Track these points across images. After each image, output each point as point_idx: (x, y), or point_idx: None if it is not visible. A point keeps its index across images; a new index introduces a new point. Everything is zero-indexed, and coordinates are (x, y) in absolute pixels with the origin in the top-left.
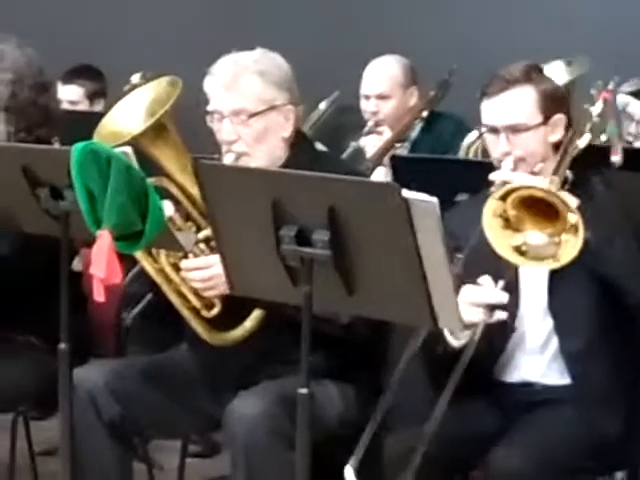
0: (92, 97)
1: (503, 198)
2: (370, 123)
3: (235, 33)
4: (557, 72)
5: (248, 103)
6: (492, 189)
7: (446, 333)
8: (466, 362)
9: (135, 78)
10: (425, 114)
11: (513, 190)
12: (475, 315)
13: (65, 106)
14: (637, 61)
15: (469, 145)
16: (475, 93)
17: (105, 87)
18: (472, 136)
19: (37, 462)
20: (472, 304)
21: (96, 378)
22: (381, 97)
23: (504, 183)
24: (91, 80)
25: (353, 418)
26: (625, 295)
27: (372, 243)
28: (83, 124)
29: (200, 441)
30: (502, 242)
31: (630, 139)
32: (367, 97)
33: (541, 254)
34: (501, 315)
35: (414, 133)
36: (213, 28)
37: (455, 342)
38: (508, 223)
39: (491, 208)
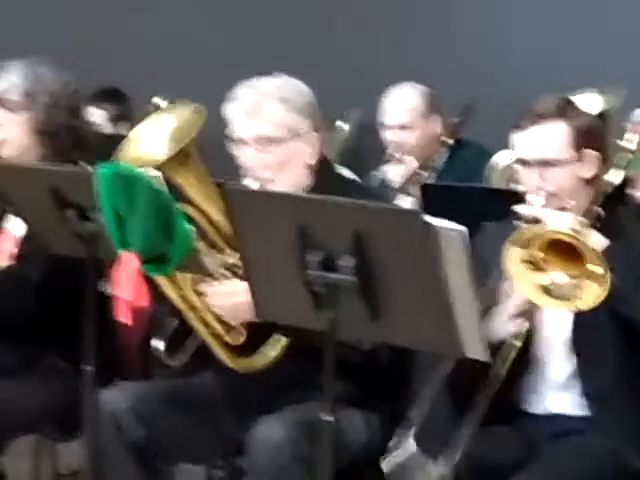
0: (116, 120)
1: (525, 244)
2: (395, 154)
3: (255, 54)
4: (590, 102)
5: (270, 130)
6: (522, 225)
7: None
8: (494, 389)
9: (159, 101)
10: (450, 142)
11: (536, 235)
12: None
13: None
14: None
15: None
16: (495, 120)
17: (129, 110)
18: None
19: None
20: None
21: (121, 401)
22: (403, 127)
23: (533, 219)
24: (115, 103)
25: (377, 446)
26: None
27: (398, 270)
28: (112, 147)
29: (224, 466)
30: (527, 283)
31: None
32: (389, 127)
33: (566, 295)
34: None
35: (439, 162)
36: (235, 49)
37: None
38: (533, 265)
39: (513, 255)
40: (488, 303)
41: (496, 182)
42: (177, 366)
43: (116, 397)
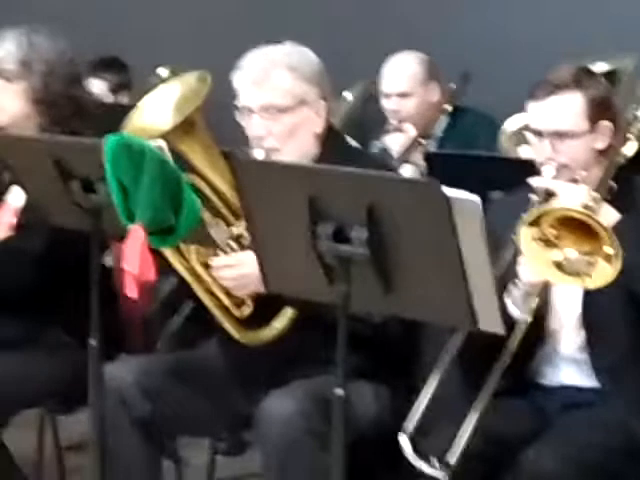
0: (116, 90)
1: (536, 222)
2: (393, 122)
3: (261, 24)
4: (600, 69)
5: (278, 98)
6: (533, 197)
7: (508, 304)
8: (505, 363)
9: (163, 71)
10: (449, 109)
11: (547, 212)
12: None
13: None
14: None
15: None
16: (496, 86)
17: (129, 79)
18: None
19: (64, 457)
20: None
21: (126, 375)
22: (402, 95)
23: (546, 191)
24: (114, 73)
25: (387, 419)
26: None
27: (412, 242)
28: (112, 117)
29: (228, 439)
30: (540, 259)
31: None
32: (388, 95)
33: (577, 270)
34: None
35: (439, 130)
36: (237, 20)
37: (517, 313)
38: (547, 242)
39: (527, 233)
40: (502, 276)
41: (505, 149)
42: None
43: (121, 371)
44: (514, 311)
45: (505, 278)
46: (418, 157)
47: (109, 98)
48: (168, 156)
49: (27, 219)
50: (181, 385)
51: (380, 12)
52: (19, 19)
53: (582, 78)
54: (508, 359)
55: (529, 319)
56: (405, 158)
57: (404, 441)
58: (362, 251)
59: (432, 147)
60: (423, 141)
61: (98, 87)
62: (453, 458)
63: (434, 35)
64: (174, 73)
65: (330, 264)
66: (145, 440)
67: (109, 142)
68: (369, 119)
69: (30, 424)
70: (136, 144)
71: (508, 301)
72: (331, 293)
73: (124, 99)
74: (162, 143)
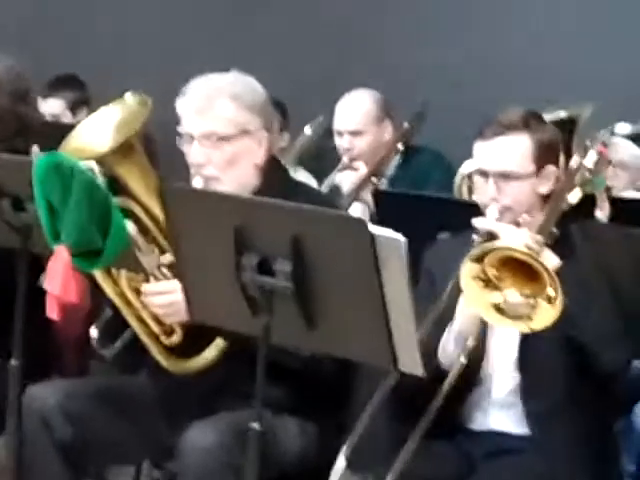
0: (74, 107)
1: (480, 259)
2: (345, 159)
3: (225, 51)
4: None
5: (219, 126)
6: (475, 237)
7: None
8: (437, 405)
9: (128, 97)
10: (401, 148)
11: (491, 250)
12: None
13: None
14: None
15: (462, 179)
16: (450, 126)
17: (87, 95)
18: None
19: None
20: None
21: (49, 397)
22: (354, 133)
23: (488, 233)
24: (71, 90)
25: (313, 456)
26: (595, 362)
27: (335, 277)
28: (60, 136)
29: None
30: (480, 300)
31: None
32: (340, 133)
33: (517, 313)
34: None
35: (391, 169)
36: (199, 43)
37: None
38: (487, 283)
39: (468, 271)
40: (440, 317)
41: (460, 192)
42: (109, 357)
43: (43, 393)
44: (449, 347)
45: (444, 316)
46: (369, 196)
47: (67, 116)
48: (99, 178)
49: None
50: (106, 410)
51: (343, 45)
52: None
53: (531, 121)
54: (442, 401)
55: (463, 360)
56: (355, 196)
57: (340, 462)
58: (285, 284)
59: (384, 186)
60: (375, 179)
61: (55, 106)
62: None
63: (393, 70)
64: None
65: (253, 296)
66: (66, 464)
67: (39, 161)
68: (327, 154)
69: None
70: (66, 164)
71: (450, 337)
72: (254, 325)
73: (82, 116)
74: (93, 164)
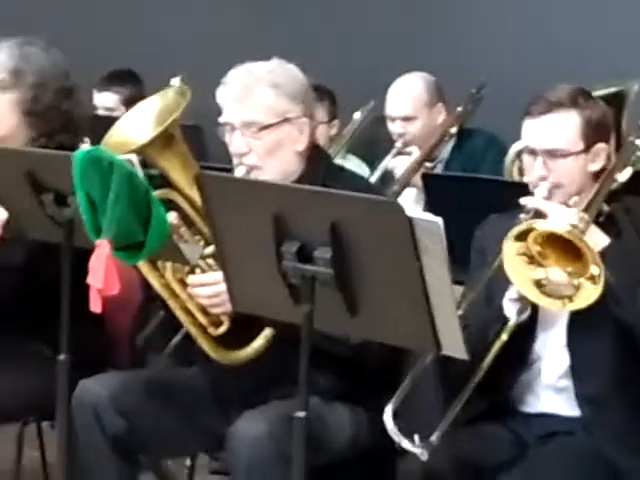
0: (128, 103)
1: (523, 237)
2: (398, 144)
3: (271, 39)
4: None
5: (259, 115)
6: (522, 215)
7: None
8: (476, 381)
9: (175, 82)
10: (454, 131)
11: (532, 229)
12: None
13: (101, 113)
14: None
15: (512, 160)
16: (507, 107)
17: (142, 92)
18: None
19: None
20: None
21: (101, 391)
22: (406, 119)
23: (536, 211)
24: (127, 86)
25: (365, 441)
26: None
27: (375, 262)
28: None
29: (216, 458)
30: (523, 277)
31: None
32: (392, 119)
33: (559, 292)
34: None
35: (445, 152)
36: (247, 33)
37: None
38: (531, 259)
39: (510, 249)
40: (485, 291)
41: (510, 172)
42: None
43: (95, 387)
44: (507, 308)
45: (490, 288)
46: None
47: (120, 111)
48: (138, 171)
49: (10, 232)
50: (158, 402)
51: (390, 31)
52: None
53: (579, 98)
54: (478, 377)
55: (504, 337)
56: (408, 181)
57: (387, 418)
58: (326, 271)
59: (438, 170)
60: (429, 164)
61: (110, 100)
62: (434, 437)
63: (444, 54)
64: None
65: (294, 283)
66: (120, 458)
67: (78, 156)
68: (379, 141)
69: (12, 440)
70: (105, 158)
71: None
72: (296, 313)
73: None
74: (133, 157)
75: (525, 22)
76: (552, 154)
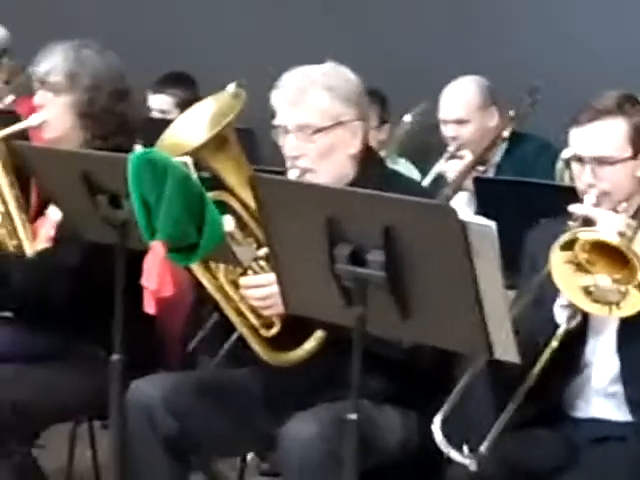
0: (183, 106)
1: (570, 245)
2: (451, 148)
3: (321, 44)
4: None
5: (313, 118)
6: (571, 223)
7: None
8: (527, 387)
9: (231, 87)
10: (507, 135)
11: (577, 239)
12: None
13: (156, 115)
14: None
15: (563, 168)
16: (560, 113)
17: (197, 95)
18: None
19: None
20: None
21: (154, 392)
22: (459, 122)
23: (584, 219)
24: (181, 88)
25: (415, 445)
26: None
27: (428, 266)
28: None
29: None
30: (570, 284)
31: None
32: (445, 122)
33: (606, 298)
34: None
35: (497, 156)
36: (301, 36)
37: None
38: (578, 266)
39: (558, 258)
40: (536, 297)
41: (561, 177)
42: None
43: (147, 388)
44: (558, 315)
45: (541, 294)
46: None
47: (174, 113)
48: (192, 173)
49: (63, 233)
50: (209, 403)
51: (442, 34)
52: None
53: (625, 105)
54: (529, 384)
55: (555, 344)
56: (460, 184)
57: (436, 429)
58: (379, 274)
59: (490, 174)
60: (481, 168)
61: (164, 102)
62: (483, 448)
63: (496, 55)
64: (242, 87)
65: (347, 286)
66: (172, 458)
67: (133, 158)
68: (431, 146)
69: (62, 438)
70: (160, 160)
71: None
72: (348, 315)
73: None
74: (188, 159)
75: (589, 24)
76: (600, 161)
